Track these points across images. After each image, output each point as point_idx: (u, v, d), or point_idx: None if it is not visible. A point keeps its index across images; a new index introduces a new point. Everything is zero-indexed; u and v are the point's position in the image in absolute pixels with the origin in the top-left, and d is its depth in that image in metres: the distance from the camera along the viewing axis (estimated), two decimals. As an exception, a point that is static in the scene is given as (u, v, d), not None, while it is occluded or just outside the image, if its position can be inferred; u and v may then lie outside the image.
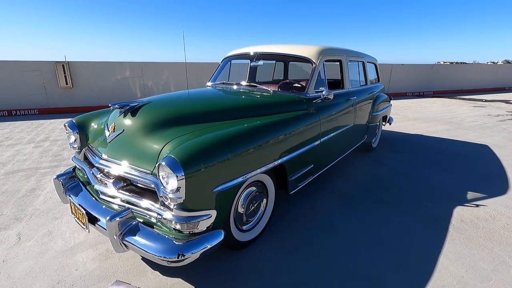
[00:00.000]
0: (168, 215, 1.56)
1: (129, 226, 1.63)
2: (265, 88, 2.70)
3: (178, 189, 1.46)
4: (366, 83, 3.95)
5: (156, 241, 1.55)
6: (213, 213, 1.62)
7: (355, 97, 3.27)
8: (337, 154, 3.13)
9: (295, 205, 2.73)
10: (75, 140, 2.30)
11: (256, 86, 2.80)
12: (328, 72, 4.76)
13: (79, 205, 1.86)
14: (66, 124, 2.32)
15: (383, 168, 3.75)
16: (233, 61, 3.49)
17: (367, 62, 4.02)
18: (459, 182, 3.31)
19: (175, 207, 1.54)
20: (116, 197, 1.80)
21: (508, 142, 4.99)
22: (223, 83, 3.06)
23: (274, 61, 4.33)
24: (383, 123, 4.74)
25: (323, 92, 2.57)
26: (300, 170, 2.40)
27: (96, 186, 1.91)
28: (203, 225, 1.60)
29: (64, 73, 7.20)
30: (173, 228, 1.58)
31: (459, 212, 2.66)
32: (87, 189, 2.04)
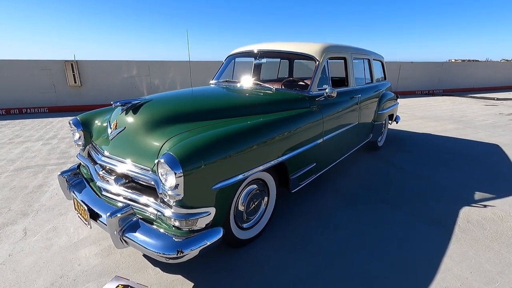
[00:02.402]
0: (167, 212, 1.58)
1: (129, 223, 1.64)
2: (268, 86, 2.68)
3: (176, 186, 1.47)
4: (372, 81, 3.89)
5: (156, 237, 1.56)
6: (212, 210, 1.63)
7: (359, 95, 3.23)
8: (341, 153, 3.10)
9: (297, 203, 2.72)
10: (79, 138, 2.33)
11: (259, 84, 2.79)
12: (333, 70, 4.73)
13: (82, 201, 1.89)
14: (71, 122, 2.35)
15: (388, 167, 3.69)
16: (237, 59, 3.48)
17: (373, 59, 3.96)
18: (466, 182, 3.24)
19: (174, 204, 1.55)
20: (118, 194, 1.82)
21: (519, 142, 4.86)
22: (226, 81, 3.06)
23: (279, 59, 4.31)
24: (390, 121, 4.67)
25: (326, 90, 2.55)
26: (302, 168, 2.38)
27: (99, 183, 1.93)
28: (202, 222, 1.61)
29: (73, 71, 7.32)
30: (172, 225, 1.59)
31: (465, 212, 2.60)
32: (90, 186, 2.07)
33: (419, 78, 12.15)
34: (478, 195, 2.94)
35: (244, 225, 2.04)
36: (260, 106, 2.27)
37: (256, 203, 2.09)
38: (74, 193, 2.05)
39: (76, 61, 7.38)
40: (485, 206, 2.71)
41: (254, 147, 1.81)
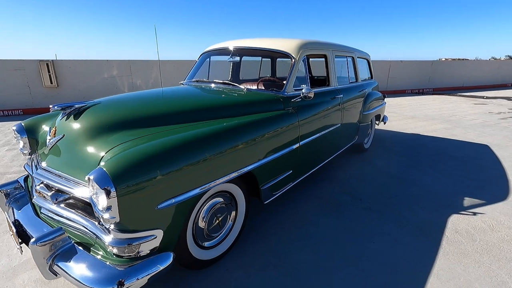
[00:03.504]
0: (106, 238, 1.33)
1: (62, 249, 1.39)
2: (238, 86, 2.44)
3: (109, 208, 1.22)
4: (357, 80, 3.69)
5: (91, 268, 1.32)
6: (159, 233, 1.38)
7: (341, 95, 3.01)
8: (322, 158, 2.88)
9: (273, 214, 2.49)
10: (24, 146, 2.06)
11: (230, 84, 2.55)
12: (315, 69, 4.50)
13: (13, 221, 1.62)
14: (14, 128, 2.08)
15: (374, 171, 3.50)
16: (215, 58, 3.23)
17: (358, 57, 3.76)
18: (455, 187, 3.06)
19: (110, 227, 1.30)
20: (55, 212, 1.56)
21: (509, 142, 4.72)
22: (197, 81, 2.81)
23: (260, 58, 4.08)
24: (377, 122, 4.48)
25: (303, 90, 2.32)
26: (275, 177, 2.15)
27: (35, 199, 1.67)
28: (146, 248, 1.36)
29: (49, 72, 6.96)
30: (112, 253, 1.34)
31: (454, 221, 2.41)
32: (32, 203, 1.80)
33: (409, 77, 12.06)
34: (467, 201, 2.75)
35: (206, 244, 1.79)
36: (226, 108, 2.03)
37: (220, 219, 1.85)
38: (13, 210, 1.79)
39: (52, 60, 7.02)
40: (474, 213, 2.53)
41: (214, 157, 1.57)
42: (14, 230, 1.54)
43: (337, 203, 2.70)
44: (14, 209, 1.79)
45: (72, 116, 1.69)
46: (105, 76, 7.57)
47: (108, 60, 7.50)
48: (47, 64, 6.93)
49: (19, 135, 2.05)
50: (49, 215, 1.61)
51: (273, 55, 2.97)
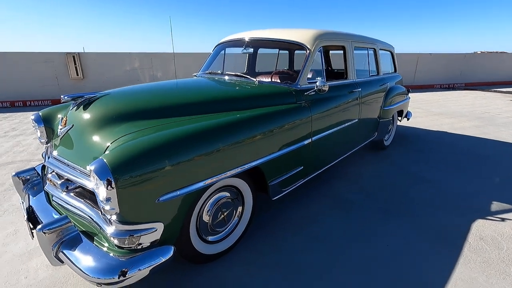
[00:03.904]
0: (109, 228, 1.34)
1: (67, 237, 1.42)
2: (250, 78, 2.38)
3: (109, 199, 1.22)
4: (378, 73, 3.49)
5: (94, 258, 1.33)
6: (159, 226, 1.37)
7: (359, 89, 2.86)
8: (337, 154, 2.77)
9: (282, 211, 2.43)
10: (41, 134, 2.13)
11: (242, 76, 2.49)
12: (337, 62, 4.31)
13: (27, 208, 1.69)
14: (32, 118, 2.15)
15: (394, 169, 3.32)
16: (231, 49, 3.18)
17: (380, 49, 3.56)
18: (483, 189, 2.83)
19: (112, 218, 1.30)
20: (63, 200, 1.60)
21: (548, 142, 4.32)
22: (209, 73, 2.78)
23: (277, 50, 3.97)
24: (399, 118, 4.25)
25: (317, 83, 2.22)
26: (285, 173, 2.08)
27: (46, 187, 1.72)
28: (146, 240, 1.36)
29: (75, 64, 7.24)
30: (114, 244, 1.35)
31: (479, 226, 2.23)
32: (45, 190, 1.87)
33: (439, 71, 11.38)
34: (495, 205, 2.54)
35: (210, 238, 1.77)
36: (235, 101, 1.97)
37: (226, 214, 1.82)
38: (28, 197, 1.86)
39: (78, 53, 7.29)
40: (503, 219, 2.33)
41: (216, 151, 1.53)
42: (25, 216, 1.59)
43: (350, 202, 2.59)
44: (30, 196, 1.87)
45: (82, 106, 1.71)
46: (127, 69, 7.77)
47: (130, 52, 7.69)
48: (73, 57, 7.21)
49: (36, 124, 2.12)
50: (60, 202, 1.66)
51: (288, 46, 2.87)
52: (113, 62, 7.69)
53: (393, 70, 4.17)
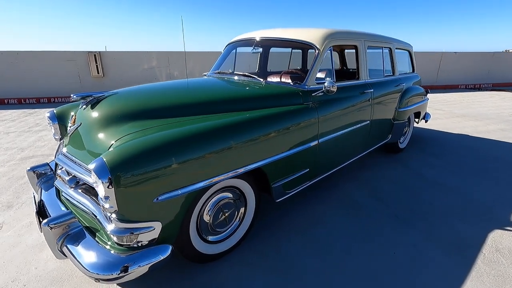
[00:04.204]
0: (109, 226, 1.37)
1: (71, 232, 1.47)
2: (257, 78, 2.36)
3: (107, 198, 1.25)
4: (393, 74, 3.37)
5: (96, 254, 1.37)
6: (157, 225, 1.39)
7: (372, 90, 2.77)
8: (346, 157, 2.70)
9: (288, 212, 2.40)
10: (55, 131, 2.23)
11: (250, 76, 2.47)
12: (351, 62, 4.20)
13: (38, 201, 1.77)
14: (47, 115, 2.25)
15: (408, 173, 3.20)
16: (242, 49, 3.17)
17: (396, 49, 3.43)
18: (504, 198, 2.67)
19: (112, 216, 1.33)
20: (70, 196, 1.66)
21: None
22: (218, 73, 2.78)
23: (290, 49, 3.92)
24: (416, 120, 4.09)
25: (325, 84, 2.17)
26: (289, 175, 2.05)
27: (56, 182, 1.79)
28: (144, 239, 1.38)
29: (96, 62, 7.51)
30: (114, 241, 1.38)
31: (496, 237, 2.10)
32: (55, 185, 1.94)
33: (464, 71, 10.84)
34: (516, 215, 2.39)
35: (210, 238, 1.78)
36: (240, 101, 1.96)
37: (227, 214, 1.82)
38: (41, 191, 1.95)
39: (99, 52, 7.56)
40: (523, 231, 2.18)
41: (216, 152, 1.53)
42: (35, 210, 1.66)
43: (359, 206, 2.52)
44: (42, 190, 1.95)
45: (90, 105, 1.76)
46: (145, 67, 7.97)
47: (148, 51, 7.87)
48: (94, 55, 7.48)
49: (51, 121, 2.21)
50: (68, 198, 1.72)
51: (299, 46, 2.82)
52: (132, 60, 7.91)
53: (411, 70, 4.01)
